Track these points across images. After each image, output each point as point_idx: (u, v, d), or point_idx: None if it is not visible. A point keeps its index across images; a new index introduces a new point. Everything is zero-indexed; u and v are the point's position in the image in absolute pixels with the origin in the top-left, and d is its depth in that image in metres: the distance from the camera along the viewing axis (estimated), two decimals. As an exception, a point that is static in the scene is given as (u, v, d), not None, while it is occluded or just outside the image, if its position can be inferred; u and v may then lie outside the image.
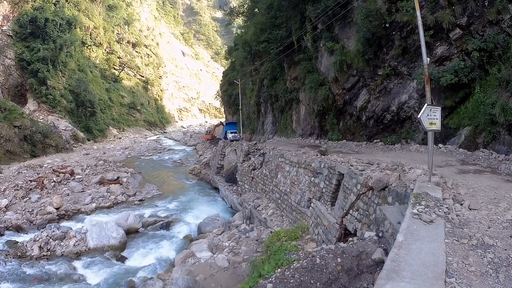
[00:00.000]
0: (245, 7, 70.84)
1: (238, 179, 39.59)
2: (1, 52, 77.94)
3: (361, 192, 14.92)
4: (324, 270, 9.71)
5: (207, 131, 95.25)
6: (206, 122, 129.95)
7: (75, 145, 75.08)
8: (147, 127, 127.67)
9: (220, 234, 27.01)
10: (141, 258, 25.52)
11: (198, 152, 77.09)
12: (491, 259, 7.00)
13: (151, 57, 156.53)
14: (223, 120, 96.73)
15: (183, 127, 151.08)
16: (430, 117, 11.68)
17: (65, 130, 75.59)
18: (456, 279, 6.12)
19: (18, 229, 30.33)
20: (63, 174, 45.16)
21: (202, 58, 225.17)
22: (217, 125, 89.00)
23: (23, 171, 46.16)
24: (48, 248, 25.90)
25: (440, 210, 9.22)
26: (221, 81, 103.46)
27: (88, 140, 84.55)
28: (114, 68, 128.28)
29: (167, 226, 31.57)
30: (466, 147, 21.43)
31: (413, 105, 26.77)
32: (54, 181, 42.74)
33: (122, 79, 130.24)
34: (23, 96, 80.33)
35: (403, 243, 7.17)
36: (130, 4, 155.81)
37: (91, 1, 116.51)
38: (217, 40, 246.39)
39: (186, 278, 19.04)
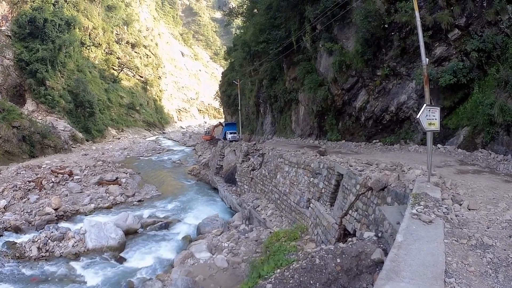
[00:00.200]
0: (244, 7, 70.88)
1: (237, 179, 39.59)
2: (0, 52, 77.87)
3: (360, 193, 14.94)
4: (324, 271, 9.72)
5: (206, 131, 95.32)
6: (205, 122, 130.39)
7: (74, 146, 75.00)
8: (146, 127, 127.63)
9: (219, 235, 26.98)
10: (140, 258, 25.50)
11: (197, 153, 77.06)
12: (490, 259, 7.01)
13: (150, 57, 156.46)
14: (222, 120, 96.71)
15: (182, 128, 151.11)
16: (429, 117, 11.70)
17: (63, 130, 75.47)
18: (455, 279, 6.13)
19: (17, 230, 30.30)
20: (61, 175, 45.07)
21: (201, 59, 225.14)
22: (216, 126, 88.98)
23: (21, 172, 46.03)
24: (47, 249, 25.89)
25: (439, 211, 9.23)
26: (220, 81, 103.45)
27: (87, 140, 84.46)
28: (113, 69, 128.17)
29: (166, 226, 31.56)
30: (465, 148, 21.44)
31: (412, 105, 26.79)
32: (53, 182, 42.65)
33: (121, 79, 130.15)
34: (22, 97, 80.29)
35: (403, 243, 7.18)
36: (129, 5, 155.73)
37: (90, 1, 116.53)
38: (216, 41, 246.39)
39: (185, 278, 19.04)
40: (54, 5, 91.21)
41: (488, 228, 8.71)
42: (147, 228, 31.25)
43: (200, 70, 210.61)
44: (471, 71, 21.84)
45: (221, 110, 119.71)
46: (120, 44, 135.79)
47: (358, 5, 29.11)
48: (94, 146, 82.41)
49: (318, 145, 34.33)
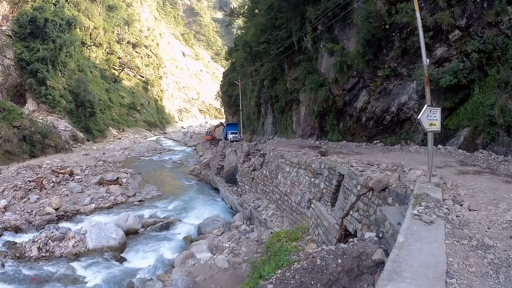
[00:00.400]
0: (246, 8, 70.79)
1: (238, 179, 39.60)
2: (0, 52, 78.01)
3: (361, 193, 14.93)
4: (325, 271, 9.73)
5: (207, 131, 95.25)
6: (206, 122, 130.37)
7: (75, 146, 74.96)
8: (147, 127, 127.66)
9: (220, 235, 26.98)
10: (141, 259, 25.48)
11: (198, 153, 77.03)
12: (491, 260, 7.02)
13: (151, 57, 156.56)
14: (223, 120, 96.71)
15: (183, 128, 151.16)
16: (430, 118, 11.70)
17: (64, 130, 75.51)
18: (456, 280, 6.14)
19: (17, 229, 30.29)
20: (62, 175, 45.07)
21: (202, 59, 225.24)
22: (217, 126, 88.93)
23: (22, 172, 46.05)
24: (47, 249, 25.84)
25: (440, 211, 9.24)
26: (221, 81, 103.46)
27: (88, 140, 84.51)
28: (114, 69, 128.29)
29: (166, 227, 31.53)
30: (465, 148, 21.45)
31: (413, 106, 26.79)
32: (53, 182, 42.64)
33: (122, 79, 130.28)
34: (22, 96, 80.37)
35: (404, 243, 7.19)
36: (130, 5, 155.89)
37: (91, 1, 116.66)
38: (217, 41, 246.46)
39: (185, 279, 19.05)
40: (55, 5, 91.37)
41: (489, 228, 8.72)
42: (148, 228, 31.22)
43: (201, 70, 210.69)
44: (471, 72, 21.86)
45: (222, 110, 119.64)
46: (121, 44, 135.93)
47: (359, 6, 29.12)
48: (95, 146, 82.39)
49: (319, 146, 34.33)
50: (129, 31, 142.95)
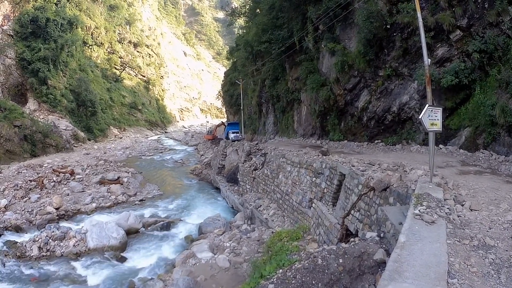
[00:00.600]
0: (247, 7, 70.90)
1: (239, 179, 39.63)
2: (2, 51, 77.98)
3: (362, 193, 14.91)
4: (326, 271, 9.72)
5: (208, 131, 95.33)
6: (208, 122, 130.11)
7: (76, 145, 74.97)
8: (148, 127, 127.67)
9: (221, 235, 26.99)
10: (142, 258, 25.48)
11: (199, 152, 77.17)
12: (493, 260, 7.01)
13: (152, 57, 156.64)
14: (224, 120, 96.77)
15: (185, 127, 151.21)
16: (431, 117, 11.68)
17: (65, 129, 75.59)
18: (458, 280, 6.13)
19: (18, 229, 30.29)
20: (63, 174, 45.07)
21: (203, 58, 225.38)
22: (218, 125, 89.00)
23: (23, 171, 46.08)
24: (48, 248, 25.85)
25: (441, 211, 9.22)
26: (222, 81, 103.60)
27: (89, 139, 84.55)
28: (116, 68, 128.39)
29: (167, 226, 31.51)
30: (466, 148, 21.45)
31: (414, 106, 26.80)
32: (54, 181, 42.64)
33: (123, 79, 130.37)
34: (24, 96, 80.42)
35: (405, 243, 7.18)
36: (131, 4, 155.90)
37: (92, 1, 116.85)
38: (218, 41, 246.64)
39: (186, 278, 19.05)
40: (56, 4, 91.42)
41: (490, 228, 8.71)
42: (149, 228, 31.21)
43: (202, 70, 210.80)
44: (472, 72, 21.86)
45: (224, 109, 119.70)
46: (122, 43, 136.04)
47: (360, 6, 29.11)
48: (96, 145, 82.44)
49: (320, 145, 34.33)
50: (130, 30, 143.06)
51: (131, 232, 29.47)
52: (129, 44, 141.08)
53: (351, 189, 17.13)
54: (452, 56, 23.26)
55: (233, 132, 59.69)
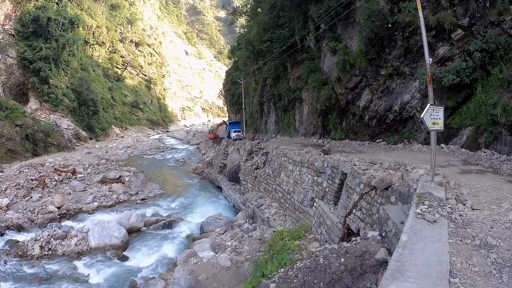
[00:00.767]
0: (248, 6, 70.87)
1: (241, 178, 39.63)
2: (3, 51, 78.06)
3: (364, 192, 14.92)
4: (328, 270, 9.72)
5: (210, 130, 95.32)
6: (209, 121, 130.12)
7: (77, 144, 74.96)
8: (149, 126, 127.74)
9: (223, 234, 26.96)
10: (143, 257, 25.48)
11: (201, 151, 77.15)
12: (495, 259, 7.01)
13: (154, 56, 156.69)
14: (226, 119, 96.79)
15: (186, 126, 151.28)
16: (433, 117, 11.67)
17: (67, 129, 75.61)
18: (460, 279, 6.13)
19: (19, 228, 30.28)
20: (64, 173, 45.07)
21: (205, 57, 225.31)
22: (220, 124, 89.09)
23: (24, 170, 46.11)
24: (49, 247, 25.81)
25: (443, 210, 9.22)
26: (224, 80, 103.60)
27: (91, 139, 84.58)
28: (117, 67, 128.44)
29: (169, 225, 31.50)
30: (468, 147, 21.44)
31: (416, 105, 26.79)
32: (56, 180, 42.64)
33: (125, 78, 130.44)
34: (25, 95, 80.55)
35: (407, 243, 7.18)
36: (133, 4, 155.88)
37: (94, 0, 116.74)
38: (220, 40, 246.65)
39: (188, 277, 19.05)
40: (57, 4, 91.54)
41: (492, 228, 8.70)
42: (150, 227, 31.23)
43: (204, 69, 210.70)
44: (474, 71, 21.85)
45: (225, 108, 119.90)
46: (124, 42, 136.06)
47: (362, 5, 29.12)
48: (97, 144, 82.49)
49: (322, 144, 34.34)
50: (132, 30, 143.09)
51: (132, 231, 29.47)
52: (131, 43, 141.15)
53: (353, 188, 17.14)
54: (453, 55, 23.25)
55: (234, 131, 59.68)
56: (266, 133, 56.31)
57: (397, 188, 12.88)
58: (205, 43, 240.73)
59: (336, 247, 10.78)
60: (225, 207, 37.38)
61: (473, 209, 10.02)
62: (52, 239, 26.45)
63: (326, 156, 24.39)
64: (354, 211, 15.50)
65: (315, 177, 23.66)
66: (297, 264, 10.82)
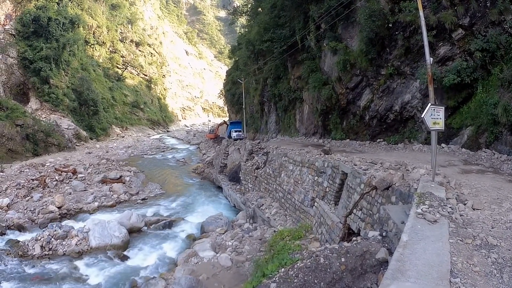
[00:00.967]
0: (249, 6, 70.84)
1: (241, 178, 39.62)
2: (4, 51, 78.10)
3: (364, 192, 14.92)
4: (328, 270, 9.71)
5: (210, 130, 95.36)
6: (210, 121, 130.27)
7: (78, 144, 75.02)
8: (150, 126, 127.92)
9: (223, 233, 26.96)
10: (144, 257, 25.47)
11: (202, 151, 77.21)
12: (495, 259, 7.00)
13: (154, 56, 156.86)
14: (226, 119, 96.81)
15: (187, 126, 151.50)
16: (434, 116, 11.66)
17: (67, 129, 75.62)
18: (460, 279, 6.13)
19: (20, 228, 30.27)
20: (65, 173, 45.09)
21: (205, 57, 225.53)
22: (220, 124, 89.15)
23: (25, 170, 46.17)
24: (50, 247, 25.78)
25: (444, 210, 9.21)
26: (224, 80, 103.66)
27: (91, 139, 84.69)
28: (117, 67, 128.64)
29: (170, 225, 31.53)
30: (468, 147, 21.42)
31: (416, 104, 26.76)
32: (56, 180, 42.65)
33: (125, 78, 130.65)
34: (26, 95, 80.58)
35: (408, 242, 7.18)
36: (133, 3, 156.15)
37: (94, 0, 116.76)
38: (220, 39, 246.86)
39: (189, 277, 19.05)
40: (58, 3, 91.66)
41: (493, 228, 8.69)
42: (151, 227, 31.23)
43: (204, 69, 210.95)
44: (475, 71, 21.81)
45: (226, 108, 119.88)
46: (124, 42, 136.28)
47: (362, 5, 29.11)
48: (98, 144, 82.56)
49: (323, 144, 34.34)
50: (132, 29, 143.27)
51: (133, 231, 29.46)
52: (131, 43, 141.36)
53: (353, 188, 17.13)
54: (454, 55, 23.22)
55: (235, 131, 59.68)
56: (266, 133, 56.31)
57: (398, 188, 12.87)
58: (205, 43, 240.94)
59: (337, 247, 10.77)
60: (225, 207, 37.42)
61: (473, 209, 10.01)
62: (52, 239, 26.42)
63: (326, 156, 24.38)
64: (354, 211, 15.49)
65: (316, 177, 23.66)
66: (298, 264, 10.81)
